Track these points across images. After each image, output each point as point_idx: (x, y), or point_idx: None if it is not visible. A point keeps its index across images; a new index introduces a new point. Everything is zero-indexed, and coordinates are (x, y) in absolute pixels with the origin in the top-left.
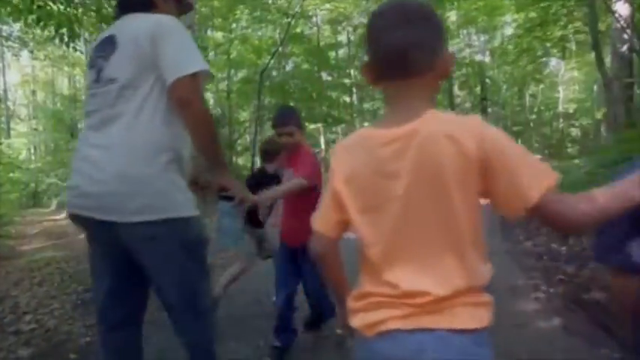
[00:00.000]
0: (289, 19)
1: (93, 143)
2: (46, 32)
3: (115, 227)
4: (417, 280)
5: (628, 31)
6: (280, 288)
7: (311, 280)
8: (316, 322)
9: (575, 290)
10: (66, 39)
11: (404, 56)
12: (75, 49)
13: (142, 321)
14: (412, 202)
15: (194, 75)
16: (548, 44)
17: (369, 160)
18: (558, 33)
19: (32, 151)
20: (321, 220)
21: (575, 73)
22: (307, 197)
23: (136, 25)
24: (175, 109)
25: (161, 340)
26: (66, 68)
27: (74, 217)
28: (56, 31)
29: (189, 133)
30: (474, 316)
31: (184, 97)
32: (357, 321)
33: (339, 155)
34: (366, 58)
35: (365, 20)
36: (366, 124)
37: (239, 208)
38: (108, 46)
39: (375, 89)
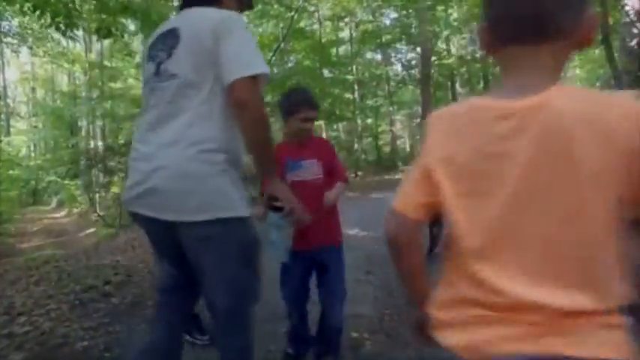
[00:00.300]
0: (292, 14)
1: (152, 141)
2: (42, 21)
3: (172, 226)
4: (528, 287)
5: (638, 24)
6: (294, 303)
7: (335, 286)
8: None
9: None
10: (63, 28)
11: (544, 15)
12: (72, 39)
13: (192, 309)
14: (528, 190)
15: (254, 77)
16: None
17: (477, 136)
18: None
19: (32, 148)
20: (404, 199)
21: (577, 71)
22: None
23: (200, 19)
24: (232, 110)
25: None
26: (65, 65)
27: (134, 216)
28: (52, 19)
29: (243, 136)
30: (615, 343)
31: (242, 99)
32: (450, 338)
33: (437, 127)
34: (484, 20)
35: (367, 17)
36: (369, 120)
37: (289, 219)
38: (170, 39)
39: (377, 87)
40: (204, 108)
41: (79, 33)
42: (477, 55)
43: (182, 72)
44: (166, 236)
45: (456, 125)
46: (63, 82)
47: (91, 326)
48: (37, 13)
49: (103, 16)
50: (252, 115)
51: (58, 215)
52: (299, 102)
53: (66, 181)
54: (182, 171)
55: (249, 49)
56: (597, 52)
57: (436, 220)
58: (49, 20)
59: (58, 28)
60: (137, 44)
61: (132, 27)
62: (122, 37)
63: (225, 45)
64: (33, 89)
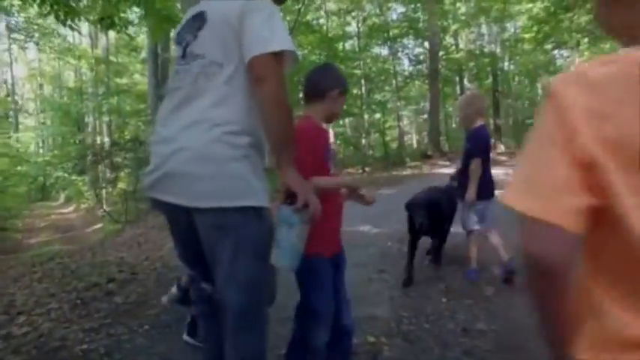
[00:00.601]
0: (299, 6)
1: (172, 123)
2: (42, 10)
3: (188, 212)
4: None
5: None
6: (330, 315)
7: (343, 288)
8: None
9: None
10: (62, 17)
11: None
12: (72, 29)
13: None
14: None
15: (276, 55)
16: (572, 32)
17: None
18: (585, 17)
19: (40, 144)
20: (555, 203)
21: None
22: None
23: (228, 3)
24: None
25: (166, 347)
26: (72, 61)
27: (153, 202)
28: (51, 6)
29: (260, 115)
30: None
31: (260, 75)
32: None
33: (577, 98)
34: None
35: (375, 10)
36: (377, 115)
37: (302, 214)
38: (197, 21)
39: (384, 82)
40: (228, 88)
41: (84, 27)
42: (485, 50)
43: (207, 52)
44: (185, 223)
45: (611, 92)
46: (70, 79)
47: (92, 327)
48: (38, 1)
49: (105, 6)
50: (267, 92)
51: (65, 211)
52: (345, 86)
53: (73, 177)
54: (201, 154)
55: (271, 27)
56: (608, 46)
57: (435, 225)
58: (48, 9)
59: (57, 17)
60: (142, 39)
61: (136, 20)
62: (125, 28)
63: (247, 24)
64: (40, 86)
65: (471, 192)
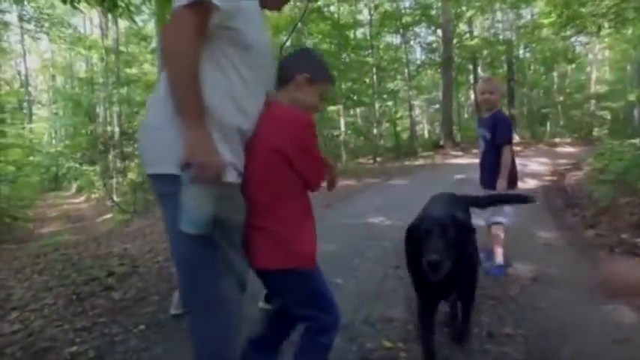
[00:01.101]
0: None
1: None
2: None
3: None
4: None
5: None
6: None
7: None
8: None
9: None
10: None
11: None
12: (74, 7)
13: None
14: None
15: (187, 8)
16: (593, 17)
17: None
18: (608, 1)
19: (53, 135)
20: None
21: (606, 53)
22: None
23: None
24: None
25: (161, 349)
26: (83, 51)
27: None
28: None
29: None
30: None
31: (164, 27)
32: None
33: None
34: None
35: None
36: (389, 103)
37: (187, 173)
38: None
39: (396, 71)
40: None
41: (95, 18)
42: (501, 37)
43: None
44: None
45: None
46: (81, 69)
47: (85, 327)
48: None
49: None
50: (167, 41)
51: (76, 201)
52: (328, 73)
53: (84, 167)
54: (148, 124)
55: None
56: (630, 32)
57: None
58: None
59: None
60: (151, 28)
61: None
62: (129, 11)
63: None
64: (53, 77)
65: (503, 181)
